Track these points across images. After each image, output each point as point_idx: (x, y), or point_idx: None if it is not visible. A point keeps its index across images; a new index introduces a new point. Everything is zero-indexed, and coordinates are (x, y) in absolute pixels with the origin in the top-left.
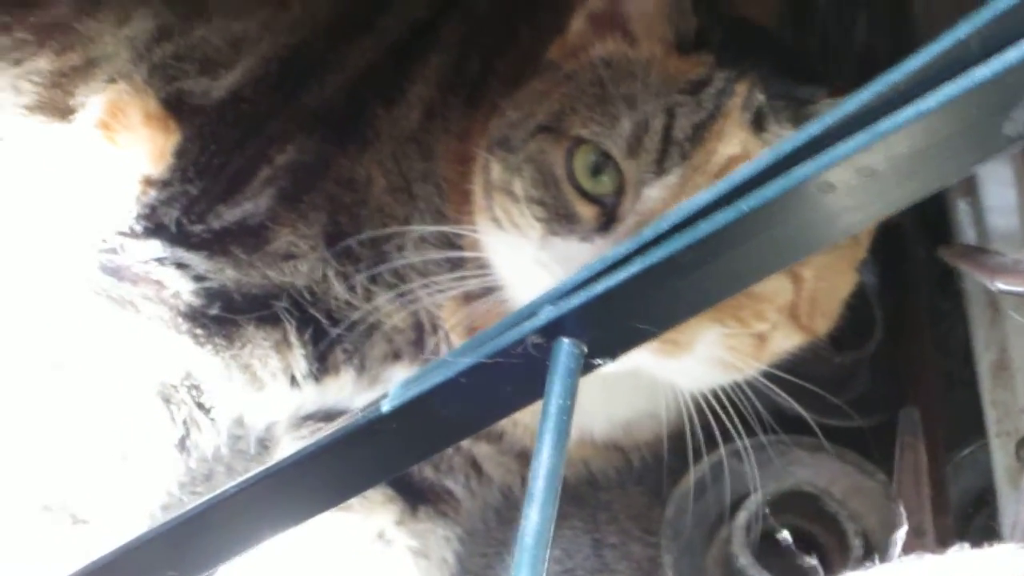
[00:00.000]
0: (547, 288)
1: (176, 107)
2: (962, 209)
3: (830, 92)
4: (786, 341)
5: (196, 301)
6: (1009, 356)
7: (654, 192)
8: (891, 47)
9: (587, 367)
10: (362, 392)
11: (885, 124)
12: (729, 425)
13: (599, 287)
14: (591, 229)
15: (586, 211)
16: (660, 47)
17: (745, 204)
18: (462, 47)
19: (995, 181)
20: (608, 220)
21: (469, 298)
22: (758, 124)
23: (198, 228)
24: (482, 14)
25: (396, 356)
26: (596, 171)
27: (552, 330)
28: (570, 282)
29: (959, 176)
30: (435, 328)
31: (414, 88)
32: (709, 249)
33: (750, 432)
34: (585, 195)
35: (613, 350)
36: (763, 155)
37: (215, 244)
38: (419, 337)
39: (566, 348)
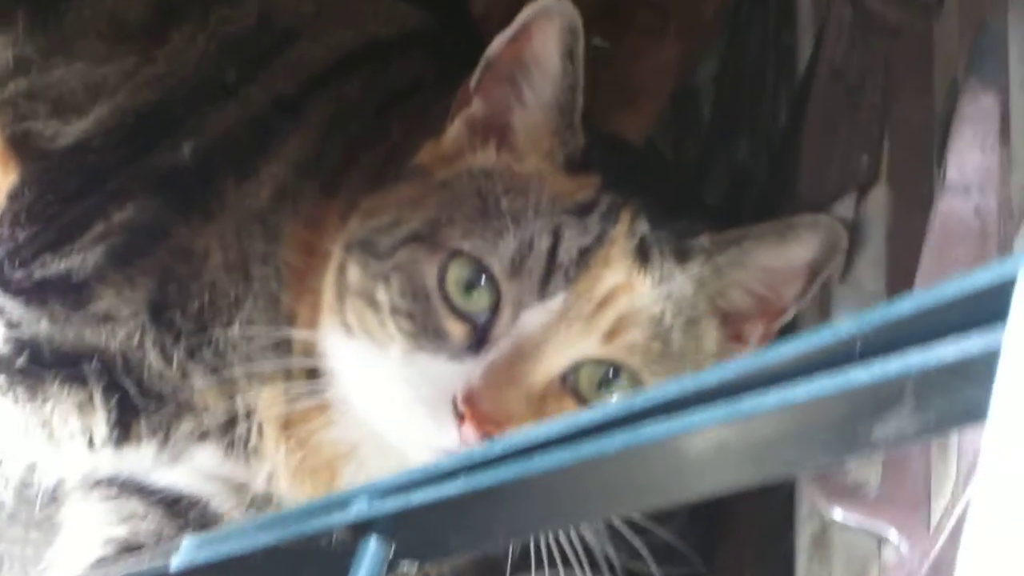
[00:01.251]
0: (404, 404)
1: (20, 147)
2: None
3: (711, 228)
4: None
5: (4, 349)
6: (830, 533)
7: (534, 316)
8: (768, 172)
9: (391, 567)
10: (162, 466)
11: (748, 404)
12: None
13: (418, 496)
14: (461, 347)
15: (456, 328)
16: (547, 163)
17: (586, 450)
18: (326, 130)
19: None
20: (480, 340)
21: (293, 392)
22: (642, 255)
23: (19, 275)
24: (353, 99)
25: (203, 436)
26: (469, 287)
27: (361, 528)
28: (387, 482)
29: (819, 466)
30: (248, 415)
31: (268, 166)
32: (540, 486)
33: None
34: (455, 311)
35: (422, 555)
36: (614, 405)
37: (34, 293)
38: (230, 421)
39: (372, 548)
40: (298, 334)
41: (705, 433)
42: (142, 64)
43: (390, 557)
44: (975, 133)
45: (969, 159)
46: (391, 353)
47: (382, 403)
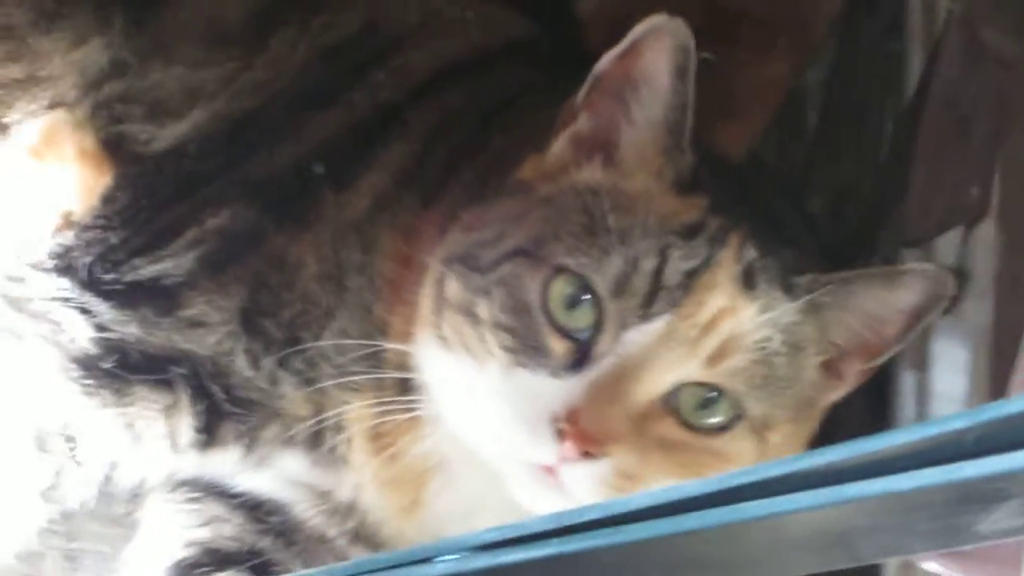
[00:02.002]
0: (502, 419)
1: (115, 149)
2: (907, 383)
3: (819, 262)
4: None
5: (92, 350)
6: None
7: (637, 336)
8: (872, 188)
9: None
10: (246, 471)
11: (852, 490)
12: None
13: (507, 557)
14: (562, 365)
15: (558, 345)
16: (655, 183)
17: (683, 523)
18: (428, 140)
19: (948, 365)
20: (581, 357)
21: (384, 403)
22: (748, 281)
23: (110, 277)
24: (456, 109)
25: (290, 443)
26: (573, 304)
27: None
28: (477, 538)
29: (916, 552)
30: (339, 428)
31: (368, 175)
32: (632, 554)
33: None
34: (557, 328)
35: None
36: (714, 480)
37: (125, 297)
38: (319, 431)
39: None
40: (391, 346)
41: (806, 515)
42: (241, 70)
43: None
44: None
45: None
46: (490, 368)
47: (479, 418)
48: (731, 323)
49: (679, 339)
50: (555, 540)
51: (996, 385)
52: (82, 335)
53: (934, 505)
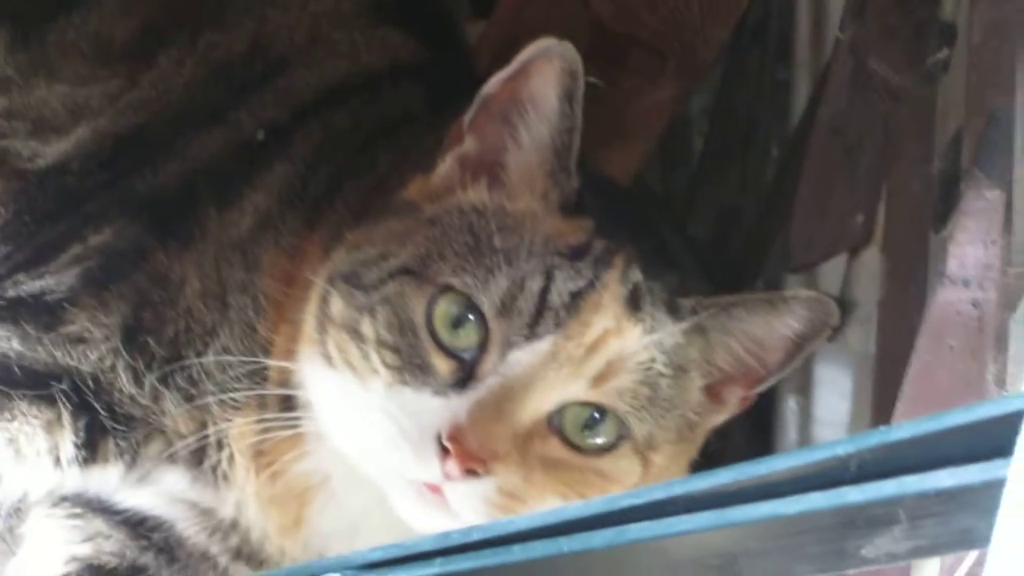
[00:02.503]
0: (386, 437)
1: None
2: (790, 408)
3: (703, 286)
4: None
5: None
6: None
7: (523, 356)
8: (757, 212)
9: None
10: (128, 487)
11: (738, 513)
12: None
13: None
14: (446, 384)
15: (443, 364)
16: (540, 204)
17: (567, 544)
18: (313, 160)
19: (831, 389)
20: (466, 377)
21: (265, 422)
22: (633, 302)
23: None
24: (341, 130)
25: (172, 458)
26: (457, 323)
27: None
28: (362, 557)
29: None
30: (221, 446)
31: (253, 195)
32: (518, 575)
33: None
34: (442, 347)
35: None
36: (599, 502)
37: (6, 312)
38: (201, 446)
39: None
40: (274, 364)
41: (692, 538)
42: (126, 88)
43: None
44: (978, 227)
45: (971, 253)
46: (374, 386)
47: (362, 436)
48: (616, 344)
49: (564, 359)
50: (439, 560)
51: (879, 411)
52: None
53: (820, 529)
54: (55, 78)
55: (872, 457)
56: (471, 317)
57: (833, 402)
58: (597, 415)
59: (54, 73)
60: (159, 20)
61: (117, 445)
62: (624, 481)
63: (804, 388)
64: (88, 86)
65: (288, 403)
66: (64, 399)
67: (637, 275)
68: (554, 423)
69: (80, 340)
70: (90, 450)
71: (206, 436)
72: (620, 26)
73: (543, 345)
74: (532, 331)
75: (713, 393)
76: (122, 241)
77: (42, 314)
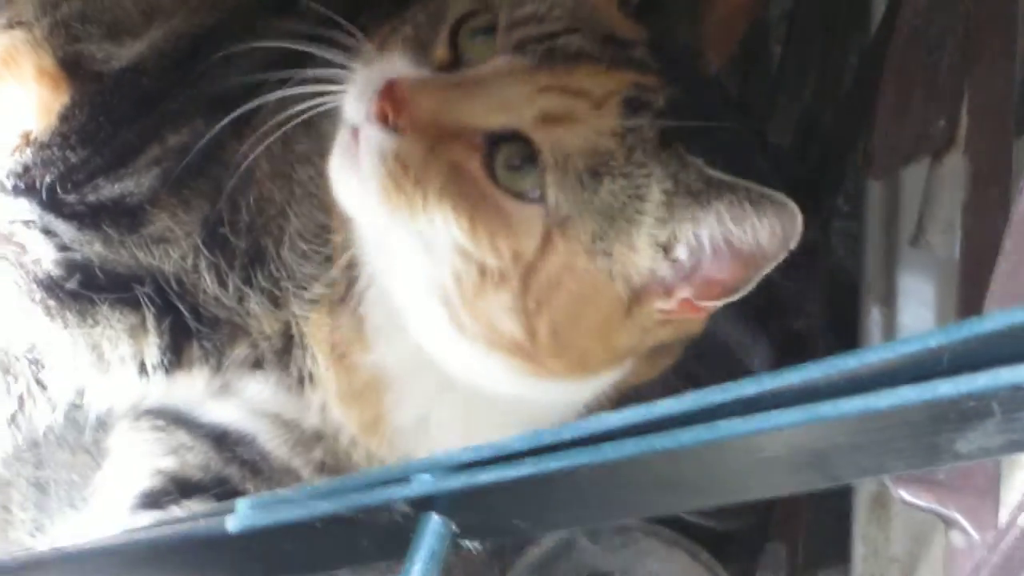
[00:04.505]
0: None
1: (72, 68)
2: (874, 318)
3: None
4: (497, 335)
5: (56, 271)
6: (890, 494)
7: (500, 61)
8: (835, 119)
9: (454, 546)
10: (212, 397)
11: (828, 408)
12: None
13: (484, 476)
14: (433, 67)
15: (441, 52)
16: None
17: (659, 442)
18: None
19: (915, 297)
20: (449, 65)
21: (335, 313)
22: (632, 107)
23: (72, 198)
24: None
25: (257, 364)
26: (475, 34)
27: (423, 503)
28: (452, 458)
29: (895, 472)
30: (303, 344)
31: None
32: (608, 473)
33: None
34: (451, 41)
35: (483, 536)
36: (688, 399)
37: (87, 217)
38: (286, 347)
39: (434, 526)
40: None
41: (782, 434)
42: None
43: (452, 535)
44: None
45: None
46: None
47: None
48: (588, 108)
49: (532, 85)
50: (530, 459)
51: (964, 319)
52: (46, 257)
53: (912, 424)
54: None
55: (964, 349)
56: (487, 34)
57: (918, 311)
58: (527, 161)
59: None
60: None
61: (202, 348)
62: (515, 239)
63: (888, 298)
64: None
65: (351, 290)
66: (148, 301)
67: (657, 103)
68: (483, 143)
69: (162, 239)
70: (175, 354)
71: (290, 335)
72: None
73: (523, 62)
74: (523, 48)
75: (658, 275)
76: (198, 138)
77: (123, 216)
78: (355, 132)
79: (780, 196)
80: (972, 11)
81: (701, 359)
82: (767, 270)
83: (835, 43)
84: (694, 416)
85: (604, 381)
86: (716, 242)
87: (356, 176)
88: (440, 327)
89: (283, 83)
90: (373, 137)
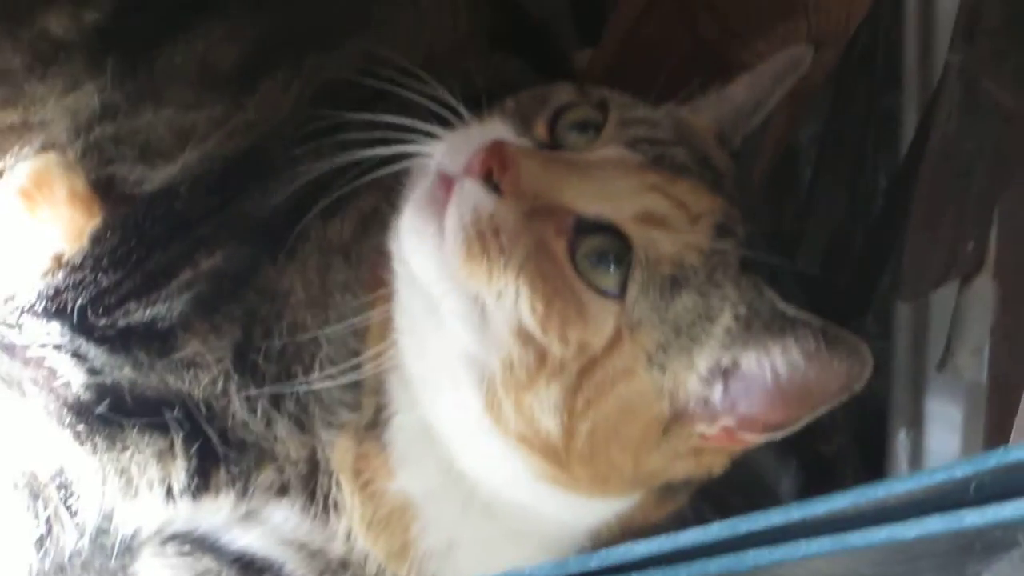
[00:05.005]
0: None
1: (105, 191)
2: (901, 442)
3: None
4: (533, 432)
5: (85, 396)
6: None
7: (610, 151)
8: (865, 240)
9: None
10: (238, 522)
11: (855, 538)
12: None
13: None
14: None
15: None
16: None
17: (685, 571)
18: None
19: (942, 421)
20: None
21: (361, 440)
22: (722, 230)
23: (102, 322)
24: None
25: (283, 490)
26: (583, 127)
27: None
28: None
29: None
30: (328, 470)
31: (358, 201)
32: None
33: None
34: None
35: None
36: (715, 528)
37: (117, 341)
38: (311, 473)
39: None
40: (372, 352)
41: (809, 563)
42: (232, 111)
43: None
44: None
45: None
46: None
47: None
48: (688, 207)
49: (636, 183)
50: None
51: (992, 443)
52: (75, 381)
53: (938, 553)
54: (161, 103)
55: (991, 479)
56: (583, 129)
57: (945, 435)
58: (616, 257)
59: (160, 98)
60: (263, 44)
61: (229, 472)
62: (585, 331)
63: (915, 421)
64: (194, 111)
65: (379, 417)
66: (177, 426)
67: (739, 233)
68: (574, 229)
69: (193, 364)
70: (202, 479)
71: (316, 461)
72: (729, 51)
73: (635, 157)
74: (634, 145)
75: (704, 410)
76: (233, 263)
77: (154, 341)
78: (445, 184)
79: (854, 338)
80: (1001, 135)
81: (728, 481)
82: (823, 411)
83: (865, 166)
84: (721, 545)
85: (614, 507)
86: (777, 375)
87: (435, 228)
88: (472, 413)
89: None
90: (470, 192)
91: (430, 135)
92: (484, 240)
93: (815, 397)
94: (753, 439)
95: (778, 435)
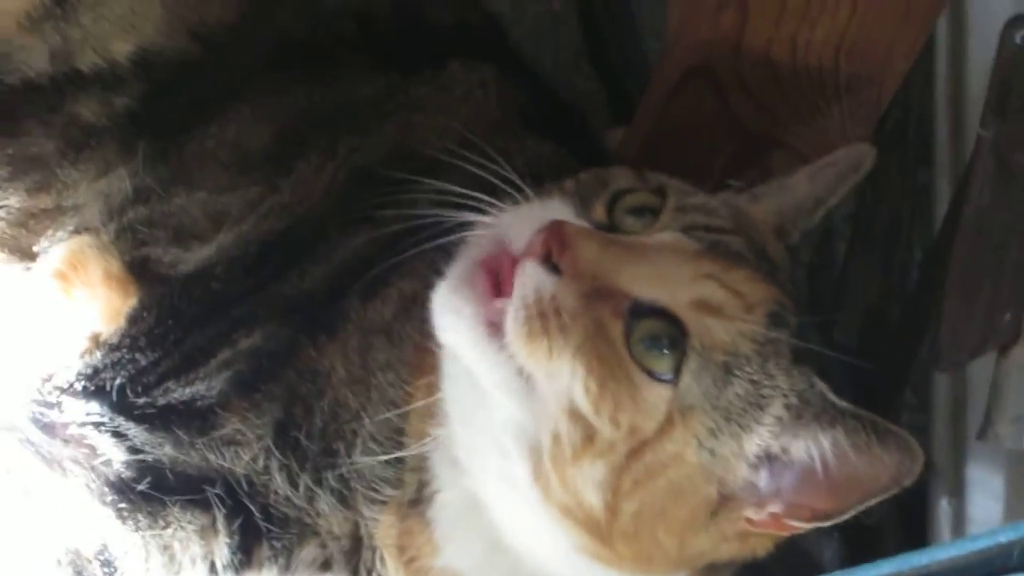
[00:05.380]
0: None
1: (140, 271)
2: (943, 510)
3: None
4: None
5: (126, 473)
6: None
7: (667, 237)
8: (902, 314)
9: None
10: None
11: None
12: None
13: None
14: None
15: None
16: None
17: None
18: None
19: (983, 489)
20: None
21: (404, 516)
22: (775, 320)
23: (142, 400)
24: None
25: (326, 565)
26: (641, 213)
27: None
28: None
29: None
30: (372, 546)
31: (399, 282)
32: None
33: None
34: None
35: None
36: None
37: (157, 419)
38: (355, 548)
39: None
40: (414, 426)
41: None
42: (266, 194)
43: None
44: None
45: None
46: None
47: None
48: (743, 296)
49: (693, 269)
50: None
51: None
52: (116, 459)
53: None
54: (194, 187)
55: None
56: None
57: (987, 503)
58: (671, 342)
59: (193, 182)
60: (295, 126)
61: (272, 548)
62: (637, 415)
63: (956, 489)
64: (227, 193)
65: (422, 491)
66: (219, 502)
67: (792, 323)
68: (629, 312)
69: (233, 442)
70: (245, 554)
71: (359, 536)
72: (761, 127)
73: (690, 244)
74: (690, 232)
75: (759, 489)
76: (272, 343)
77: (194, 419)
78: (502, 258)
79: (904, 433)
80: None
81: (770, 552)
82: (872, 503)
83: (900, 240)
84: None
85: None
86: (827, 465)
87: (472, 310)
88: (521, 483)
89: (363, 288)
90: (532, 272)
91: (493, 205)
92: (545, 320)
93: (864, 489)
94: (800, 526)
95: (826, 524)
